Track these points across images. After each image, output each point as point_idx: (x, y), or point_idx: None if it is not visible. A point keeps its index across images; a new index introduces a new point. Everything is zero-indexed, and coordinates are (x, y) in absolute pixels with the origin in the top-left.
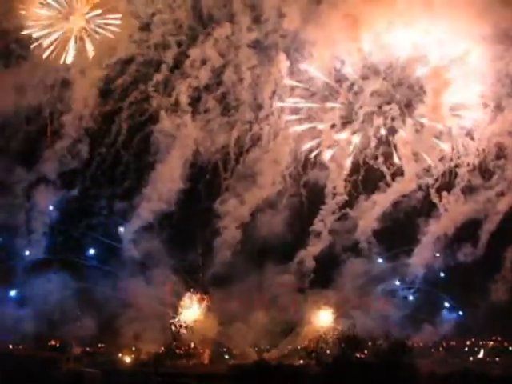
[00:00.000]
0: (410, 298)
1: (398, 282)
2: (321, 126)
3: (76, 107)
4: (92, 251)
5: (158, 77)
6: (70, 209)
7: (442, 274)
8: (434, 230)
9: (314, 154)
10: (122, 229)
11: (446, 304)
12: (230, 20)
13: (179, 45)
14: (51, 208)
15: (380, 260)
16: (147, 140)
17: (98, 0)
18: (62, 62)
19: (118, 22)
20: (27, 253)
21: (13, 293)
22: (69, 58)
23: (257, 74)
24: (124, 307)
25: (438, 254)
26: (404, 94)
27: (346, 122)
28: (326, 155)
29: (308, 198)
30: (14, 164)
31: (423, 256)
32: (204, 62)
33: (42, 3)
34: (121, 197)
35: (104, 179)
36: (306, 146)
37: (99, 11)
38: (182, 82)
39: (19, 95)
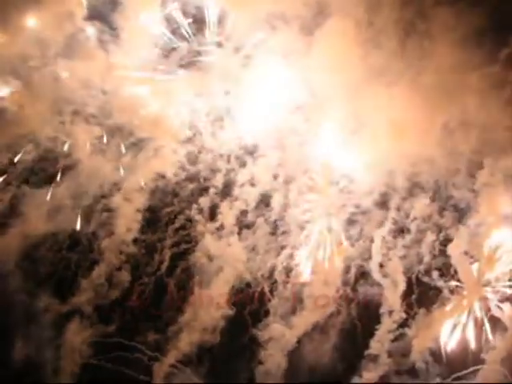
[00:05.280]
0: None
1: None
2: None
3: (118, 232)
4: None
5: (205, 201)
6: (104, 343)
7: None
8: (499, 346)
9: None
10: (156, 363)
11: None
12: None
13: (227, 172)
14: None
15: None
16: (191, 267)
17: None
18: None
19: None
20: None
21: None
22: None
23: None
24: None
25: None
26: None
27: (397, 234)
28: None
29: (360, 318)
30: (45, 293)
31: (489, 376)
32: (252, 185)
33: None
34: (159, 328)
35: (144, 311)
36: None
37: None
38: (229, 204)
39: (56, 218)
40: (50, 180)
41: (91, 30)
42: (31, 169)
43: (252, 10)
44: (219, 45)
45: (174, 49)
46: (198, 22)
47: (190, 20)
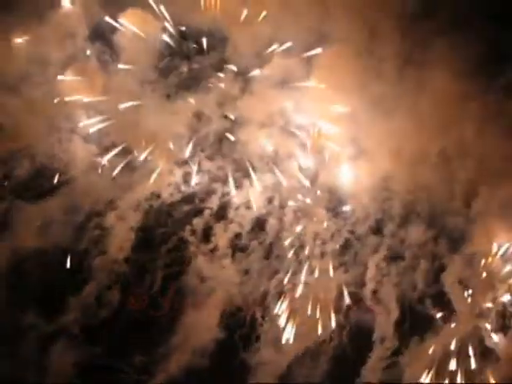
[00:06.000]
0: None
1: None
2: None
3: (110, 250)
4: None
5: (198, 222)
6: (90, 364)
7: None
8: (492, 375)
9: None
10: None
11: None
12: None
13: (223, 194)
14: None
15: None
16: (183, 289)
17: None
18: None
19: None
20: None
21: None
22: None
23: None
24: None
25: None
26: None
27: (392, 259)
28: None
29: (352, 345)
30: (32, 310)
31: None
32: (248, 208)
33: None
34: (148, 350)
35: (133, 333)
36: (351, 289)
37: None
38: (224, 227)
39: (47, 234)
40: (43, 195)
41: (92, 50)
42: (26, 184)
43: (252, 35)
44: (219, 68)
45: (173, 70)
46: (198, 45)
47: (190, 43)
